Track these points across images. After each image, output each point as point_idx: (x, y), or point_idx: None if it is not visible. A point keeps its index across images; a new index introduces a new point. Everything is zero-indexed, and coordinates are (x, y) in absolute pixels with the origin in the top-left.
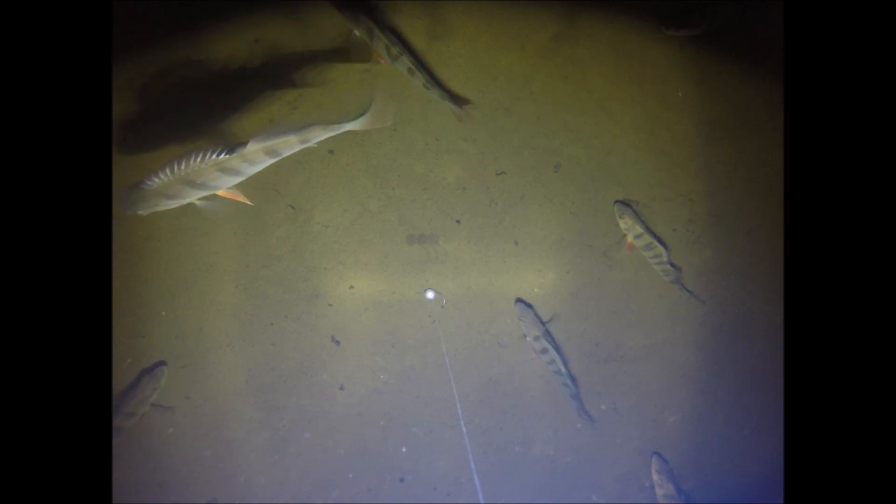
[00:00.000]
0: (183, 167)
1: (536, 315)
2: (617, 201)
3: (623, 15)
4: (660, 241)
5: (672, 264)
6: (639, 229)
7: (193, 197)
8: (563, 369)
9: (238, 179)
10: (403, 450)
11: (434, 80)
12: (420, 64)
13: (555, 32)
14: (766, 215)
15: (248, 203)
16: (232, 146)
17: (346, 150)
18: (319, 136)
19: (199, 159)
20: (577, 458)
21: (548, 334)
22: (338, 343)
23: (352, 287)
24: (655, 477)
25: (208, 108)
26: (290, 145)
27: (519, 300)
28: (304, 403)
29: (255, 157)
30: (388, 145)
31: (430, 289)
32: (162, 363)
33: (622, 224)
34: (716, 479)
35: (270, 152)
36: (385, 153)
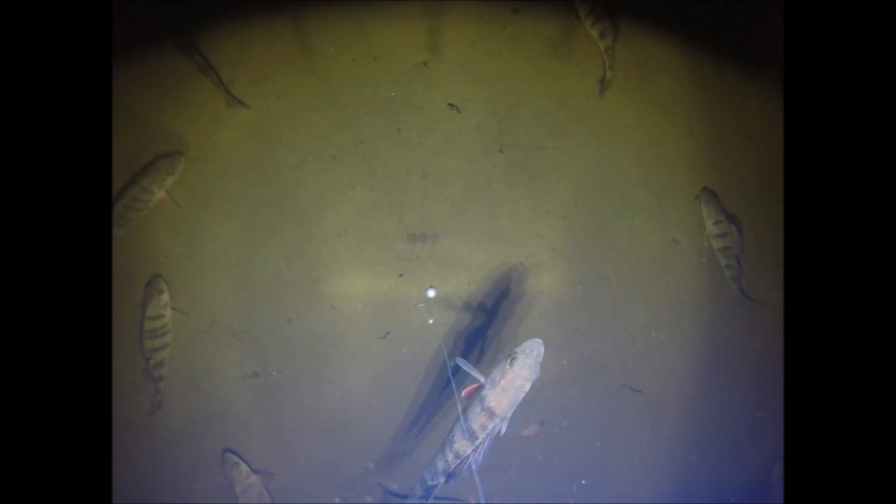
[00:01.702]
0: None
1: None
2: (704, 188)
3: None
4: (738, 231)
5: (738, 259)
6: (720, 217)
7: None
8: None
9: None
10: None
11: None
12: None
13: (554, 34)
14: (767, 216)
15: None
16: None
17: (347, 151)
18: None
19: None
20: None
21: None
22: (339, 344)
23: (354, 287)
24: (704, 210)
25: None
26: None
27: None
28: (306, 403)
29: None
30: (390, 147)
31: (432, 287)
32: (179, 152)
33: (705, 211)
34: (716, 479)
35: None
36: (386, 154)
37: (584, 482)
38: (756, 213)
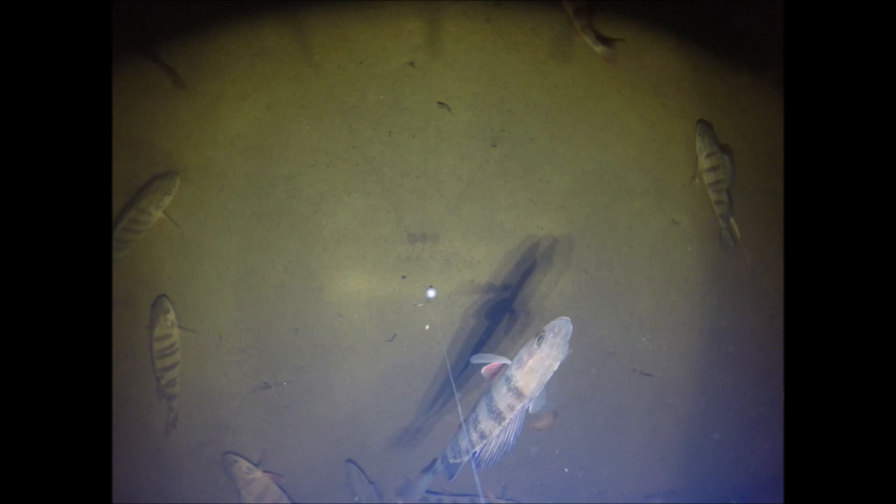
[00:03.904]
0: None
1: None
2: (700, 120)
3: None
4: (730, 163)
5: (728, 194)
6: (713, 149)
7: None
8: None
9: None
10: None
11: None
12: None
13: (539, 24)
14: (768, 216)
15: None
16: None
17: (341, 158)
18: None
19: None
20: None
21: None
22: (347, 351)
23: (358, 293)
24: (698, 142)
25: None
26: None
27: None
28: (318, 411)
29: None
30: (382, 150)
31: (432, 287)
32: (175, 172)
33: (699, 143)
34: (716, 479)
35: None
36: (380, 158)
37: (602, 471)
38: (753, 190)
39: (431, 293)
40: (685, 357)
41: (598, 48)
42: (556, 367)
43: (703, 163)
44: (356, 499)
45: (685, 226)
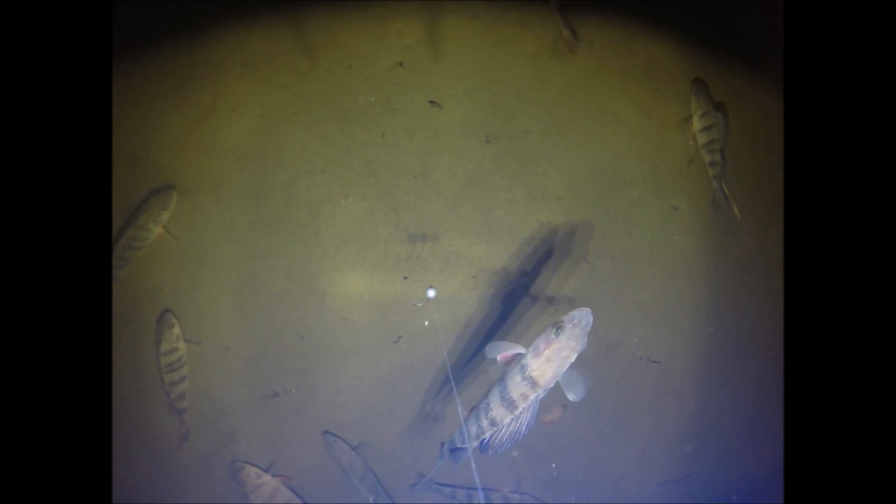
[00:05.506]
0: None
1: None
2: (696, 79)
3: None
4: (724, 120)
5: (722, 153)
6: (708, 108)
7: None
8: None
9: None
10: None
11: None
12: None
13: (528, 19)
14: (766, 197)
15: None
16: None
17: (336, 162)
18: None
19: None
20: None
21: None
22: (352, 354)
23: (360, 296)
24: (693, 102)
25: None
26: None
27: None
28: (327, 416)
29: None
30: (377, 152)
31: (432, 287)
32: (171, 186)
33: (694, 102)
34: (716, 479)
35: None
36: (375, 160)
37: (612, 461)
38: (749, 173)
39: (431, 293)
40: (690, 343)
41: (565, 32)
42: (573, 358)
43: (697, 123)
44: (342, 467)
45: (685, 211)
